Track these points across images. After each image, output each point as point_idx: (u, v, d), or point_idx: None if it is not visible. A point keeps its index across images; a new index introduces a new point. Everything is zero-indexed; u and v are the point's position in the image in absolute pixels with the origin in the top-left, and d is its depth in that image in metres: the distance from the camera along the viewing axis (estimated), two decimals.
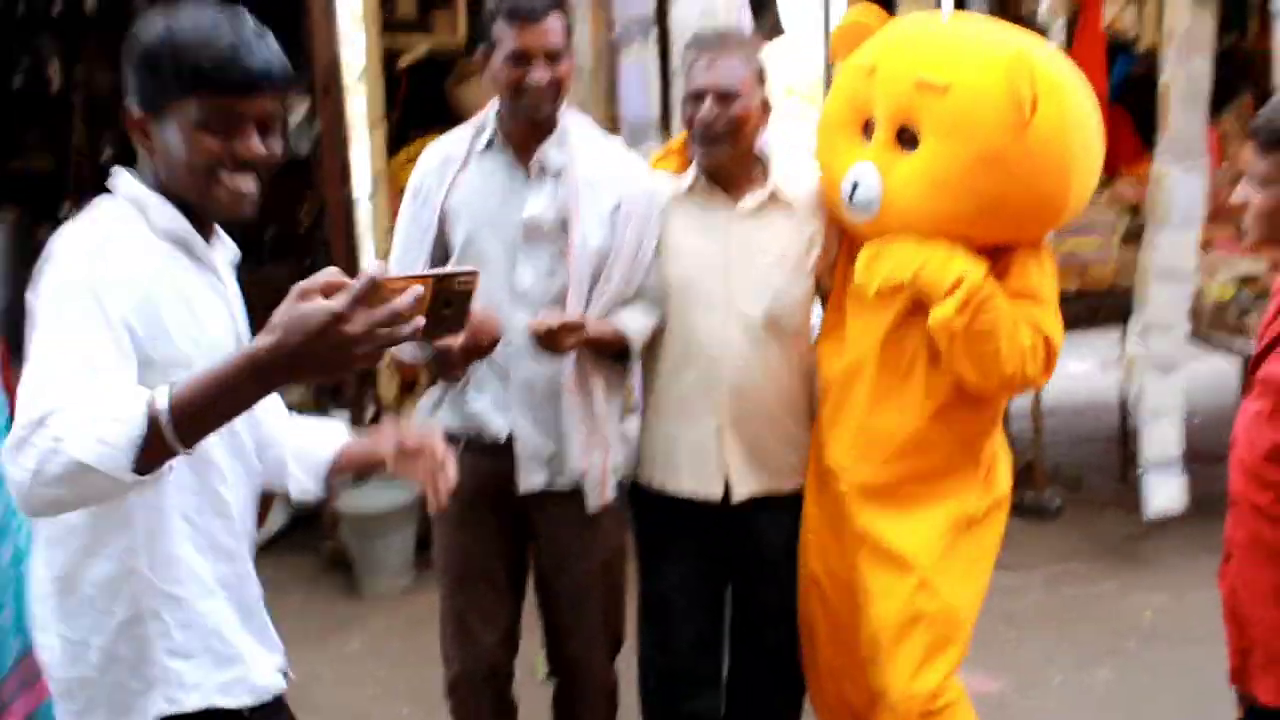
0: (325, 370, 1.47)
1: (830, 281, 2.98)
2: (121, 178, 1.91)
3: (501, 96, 2.77)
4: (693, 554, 3.01)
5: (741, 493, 2.93)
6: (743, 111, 2.78)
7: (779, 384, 2.92)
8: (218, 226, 1.98)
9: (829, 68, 5.88)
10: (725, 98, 2.76)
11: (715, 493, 2.93)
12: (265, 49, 1.84)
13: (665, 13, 4.65)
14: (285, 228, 6.66)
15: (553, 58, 2.68)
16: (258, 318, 5.07)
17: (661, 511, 3.01)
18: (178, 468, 1.67)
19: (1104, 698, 4.01)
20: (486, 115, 2.85)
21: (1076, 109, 2.70)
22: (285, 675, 2.08)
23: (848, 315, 2.90)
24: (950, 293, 2.58)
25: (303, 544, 5.53)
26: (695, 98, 2.80)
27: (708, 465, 2.92)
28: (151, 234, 1.85)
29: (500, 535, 2.92)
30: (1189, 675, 3.93)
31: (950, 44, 2.78)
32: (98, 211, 1.86)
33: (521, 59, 2.66)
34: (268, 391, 1.51)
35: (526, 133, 2.78)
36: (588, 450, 2.83)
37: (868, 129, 2.79)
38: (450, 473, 2.09)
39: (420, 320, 1.47)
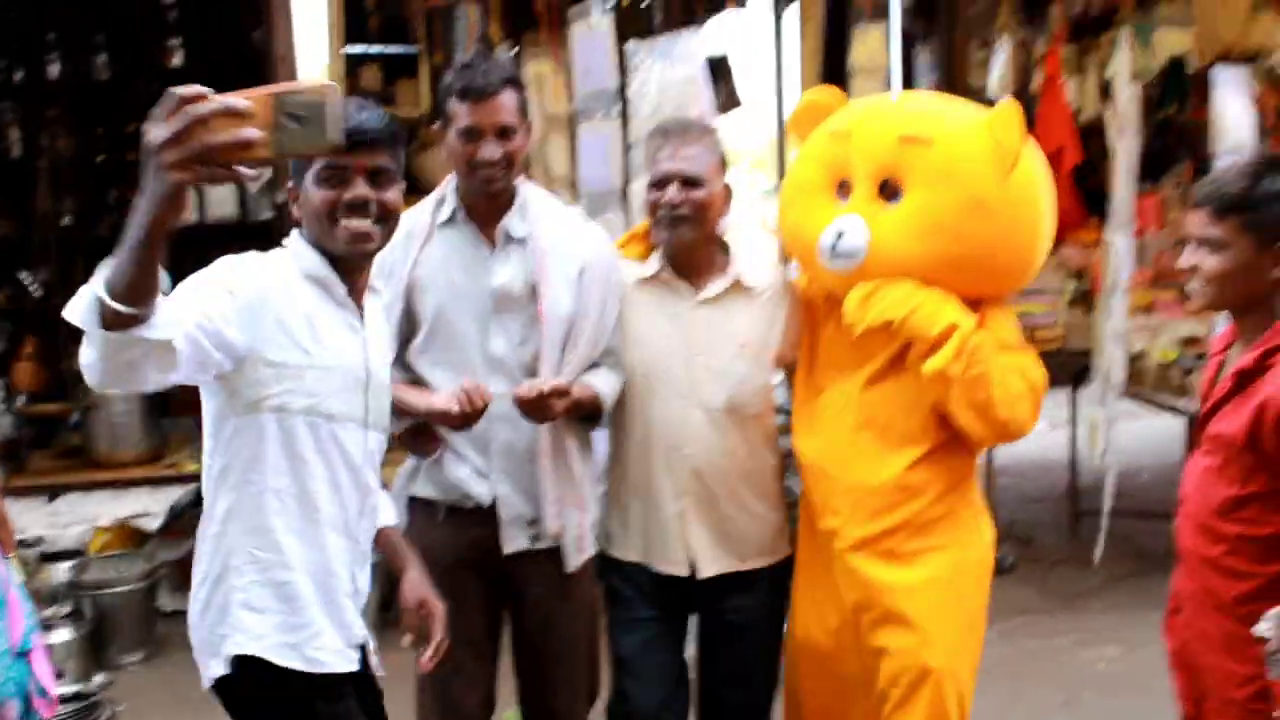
0: (151, 190, 1.61)
1: (793, 361, 3.03)
2: (292, 235, 2.37)
3: (457, 171, 2.83)
4: (658, 621, 3.05)
5: (708, 572, 2.97)
6: (706, 197, 2.85)
7: (742, 467, 2.96)
8: (373, 282, 2.43)
9: (782, 137, 6.06)
10: (689, 183, 2.83)
11: (681, 572, 2.97)
12: (361, 115, 2.24)
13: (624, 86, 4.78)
14: None
15: (504, 134, 2.73)
16: None
17: (627, 580, 3.05)
18: (275, 458, 2.22)
19: None
20: (446, 189, 2.90)
21: (1040, 170, 2.84)
22: (365, 668, 2.41)
23: (822, 382, 2.95)
24: (942, 340, 2.64)
25: None
26: (659, 184, 2.87)
27: (673, 546, 2.97)
28: (298, 272, 2.29)
29: (482, 599, 2.94)
30: None
31: (927, 109, 2.93)
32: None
33: (473, 134, 2.72)
34: (146, 221, 1.66)
35: (486, 205, 2.83)
36: (564, 511, 2.88)
37: (843, 189, 2.86)
38: (439, 631, 2.53)
39: (253, 132, 1.54)
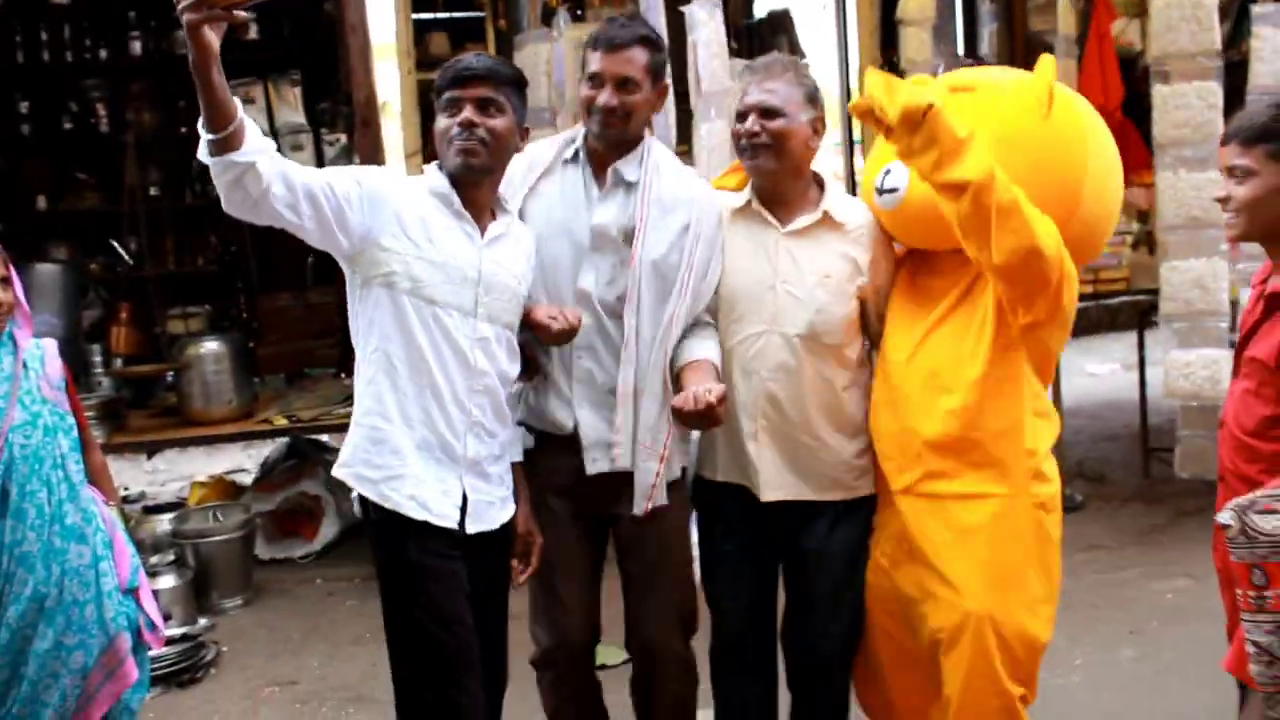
0: (188, 41, 2.28)
1: (883, 306, 3.10)
2: (430, 164, 2.83)
3: (581, 113, 3.01)
4: (741, 551, 3.16)
5: (769, 496, 3.04)
6: (785, 127, 2.94)
7: (817, 398, 3.01)
8: (502, 207, 2.88)
9: (846, 91, 6.12)
10: (767, 113, 2.92)
11: (758, 490, 3.04)
12: (475, 60, 2.77)
13: None
14: (326, 256, 6.91)
15: (625, 84, 2.88)
16: (292, 335, 5.36)
17: (715, 507, 3.18)
18: (387, 325, 2.70)
19: (1129, 673, 4.20)
20: (578, 130, 3.07)
21: (1095, 129, 2.94)
22: (462, 520, 2.78)
23: (889, 329, 3.05)
24: (967, 142, 2.63)
25: (353, 554, 5.79)
26: (742, 116, 2.98)
27: (741, 466, 3.07)
28: (425, 186, 2.77)
29: (574, 523, 3.09)
30: (1209, 650, 4.06)
31: (989, 70, 3.17)
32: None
33: (597, 81, 2.89)
34: (192, 65, 2.30)
35: (605, 149, 2.99)
36: (638, 452, 2.97)
37: None
38: (535, 558, 2.99)
39: None
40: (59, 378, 3.16)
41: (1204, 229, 5.06)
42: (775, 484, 3.05)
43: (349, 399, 5.67)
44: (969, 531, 2.88)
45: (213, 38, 2.27)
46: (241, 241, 6.91)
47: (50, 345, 3.20)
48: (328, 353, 6.63)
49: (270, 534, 5.86)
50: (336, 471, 2.82)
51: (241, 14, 2.25)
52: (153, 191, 6.82)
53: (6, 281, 3.05)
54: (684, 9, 4.52)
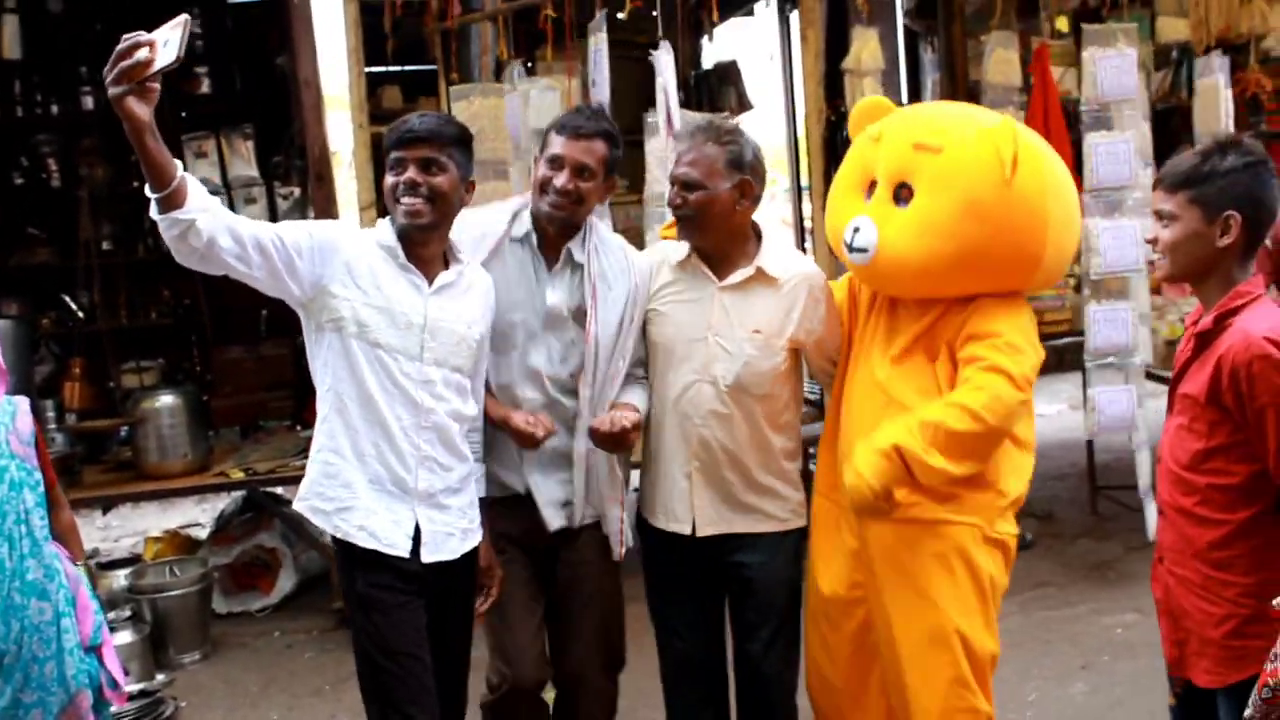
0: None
1: (829, 350, 3.29)
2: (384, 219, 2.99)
3: (534, 192, 3.14)
4: (680, 573, 3.31)
5: (705, 531, 3.22)
6: (705, 198, 3.08)
7: (748, 442, 3.19)
8: (455, 255, 3.02)
9: (794, 139, 6.24)
10: (687, 186, 3.09)
11: (684, 530, 3.23)
12: (419, 121, 2.89)
13: None
14: (280, 308, 6.93)
15: (581, 171, 3.07)
16: (246, 388, 5.38)
17: (654, 537, 3.33)
18: (338, 366, 2.84)
19: (1081, 707, 4.27)
20: (523, 201, 3.22)
21: (1054, 178, 3.03)
22: (417, 550, 2.91)
23: (857, 362, 3.19)
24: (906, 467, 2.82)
25: (311, 605, 5.80)
26: (553, 163, 3.09)
27: (680, 506, 3.23)
28: (374, 239, 2.92)
29: (527, 567, 3.26)
30: (1159, 683, 4.11)
31: (944, 117, 3.16)
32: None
33: (555, 163, 3.07)
34: (132, 130, 2.49)
35: (555, 230, 3.14)
36: (601, 503, 3.24)
37: (870, 189, 3.11)
38: (495, 589, 3.15)
39: (144, 54, 2.41)
40: (29, 433, 3.14)
41: (1125, 272, 5.24)
42: (711, 520, 3.22)
43: (305, 451, 5.69)
44: (934, 556, 3.00)
45: (140, 108, 2.44)
46: (195, 295, 6.91)
47: (22, 402, 3.17)
48: (282, 405, 6.65)
49: (227, 587, 5.83)
50: (296, 504, 2.98)
51: (153, 85, 2.45)
52: (105, 246, 6.83)
53: None
54: (652, 54, 4.61)
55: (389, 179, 2.88)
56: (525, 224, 3.16)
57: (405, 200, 2.85)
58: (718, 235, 3.15)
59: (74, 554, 3.27)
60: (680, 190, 3.10)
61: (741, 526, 3.24)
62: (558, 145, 3.07)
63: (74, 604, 3.16)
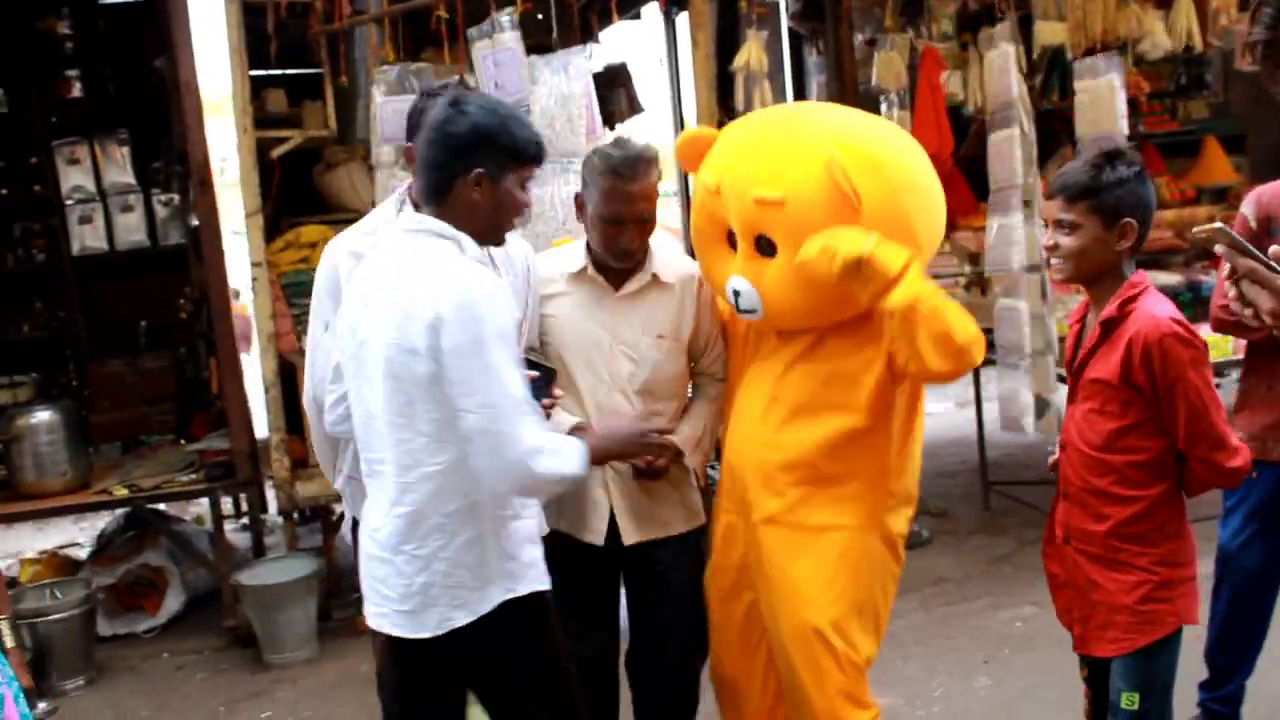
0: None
1: (712, 340, 3.29)
2: None
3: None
4: (587, 585, 3.29)
5: (630, 540, 3.23)
6: (652, 228, 3.14)
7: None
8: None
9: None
10: (644, 224, 3.10)
11: (600, 542, 3.22)
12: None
13: None
14: (160, 319, 6.75)
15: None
16: (127, 402, 5.14)
17: (561, 550, 3.21)
18: None
19: (985, 701, 4.32)
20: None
21: (900, 170, 2.95)
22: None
23: (742, 371, 3.18)
24: (903, 274, 2.77)
25: (201, 625, 5.61)
26: (615, 222, 3.06)
27: (595, 518, 3.22)
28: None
29: None
30: (1059, 673, 4.23)
31: (774, 154, 2.98)
32: None
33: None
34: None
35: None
36: None
37: (731, 239, 3.05)
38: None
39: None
40: None
41: (1030, 271, 5.34)
42: (631, 529, 3.23)
43: (192, 465, 5.57)
44: (823, 557, 3.01)
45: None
46: (70, 307, 6.69)
47: None
48: (165, 419, 6.46)
49: (112, 609, 5.61)
50: (532, 587, 2.67)
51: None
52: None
53: None
54: (580, 57, 4.55)
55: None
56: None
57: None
58: None
59: None
60: (637, 231, 3.09)
61: (659, 531, 3.26)
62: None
63: None
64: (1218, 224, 1.74)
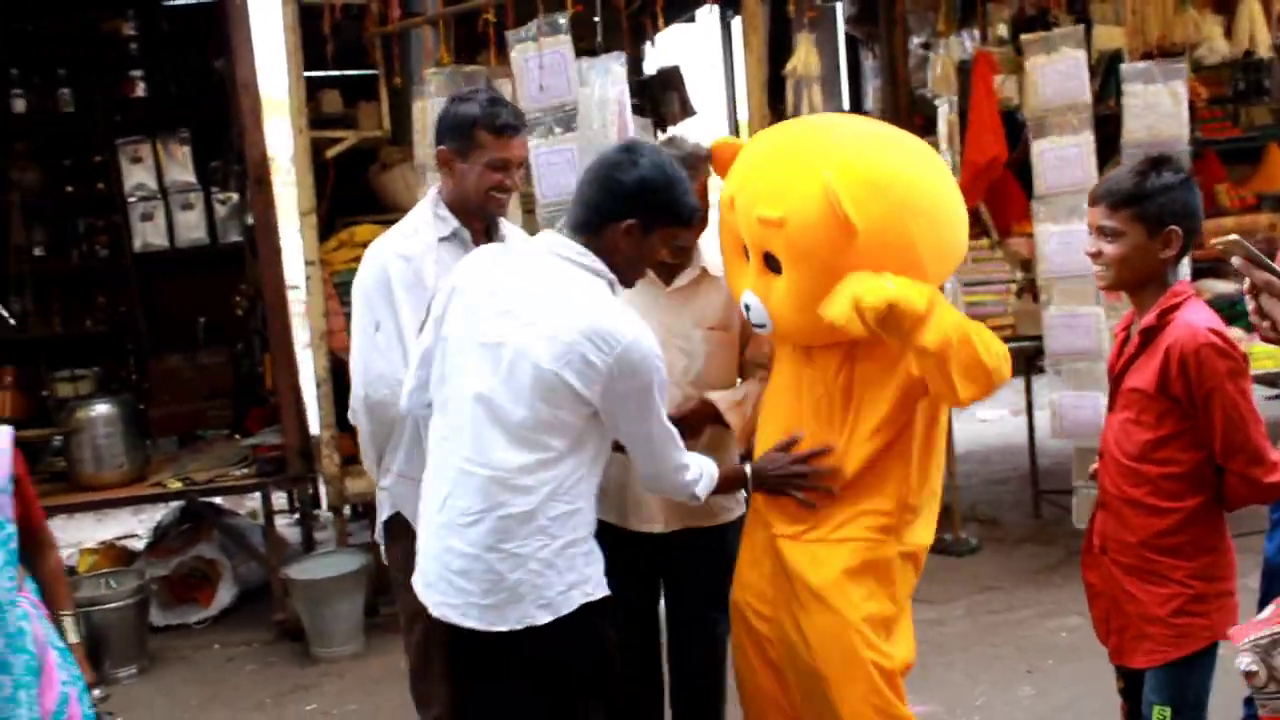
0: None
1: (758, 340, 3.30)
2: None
3: (481, 196, 3.20)
4: (627, 572, 3.22)
5: (673, 527, 3.29)
6: (704, 226, 3.17)
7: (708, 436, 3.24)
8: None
9: None
10: (700, 223, 3.13)
11: (654, 529, 3.28)
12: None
13: None
14: (218, 316, 6.86)
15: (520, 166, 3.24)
16: (184, 397, 5.22)
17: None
18: (592, 477, 2.73)
19: (1028, 711, 4.30)
20: (436, 204, 3.28)
21: (905, 191, 2.86)
22: None
23: (774, 371, 3.18)
24: (931, 310, 2.72)
25: (252, 617, 5.71)
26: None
27: (649, 507, 3.27)
28: None
29: None
30: (1103, 684, 4.17)
31: (781, 173, 2.94)
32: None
33: (504, 166, 3.17)
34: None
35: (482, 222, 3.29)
36: None
37: (746, 253, 3.03)
38: None
39: None
40: (5, 478, 2.75)
41: (1083, 278, 5.26)
42: (675, 518, 3.28)
43: (244, 460, 5.65)
44: (846, 565, 2.96)
45: None
46: (131, 303, 6.80)
47: (2, 438, 2.79)
48: (221, 414, 6.54)
49: (165, 600, 5.72)
50: (604, 592, 2.79)
51: None
52: (37, 252, 6.68)
53: None
54: (618, 63, 4.57)
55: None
56: (452, 222, 3.20)
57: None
58: None
59: (60, 601, 2.97)
60: (695, 234, 3.17)
61: (698, 521, 3.29)
62: (506, 148, 3.13)
63: (38, 673, 2.78)
64: (1233, 236, 1.71)
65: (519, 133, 3.16)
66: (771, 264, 2.93)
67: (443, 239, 3.18)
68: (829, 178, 2.77)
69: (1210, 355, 2.66)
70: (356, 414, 3.24)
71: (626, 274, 2.77)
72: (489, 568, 2.62)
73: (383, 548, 3.37)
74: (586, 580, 2.69)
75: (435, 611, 2.72)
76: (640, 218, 2.68)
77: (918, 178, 2.93)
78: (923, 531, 3.08)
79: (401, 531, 3.17)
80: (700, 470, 2.85)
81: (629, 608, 3.27)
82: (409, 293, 3.12)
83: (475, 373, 2.67)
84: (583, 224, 2.71)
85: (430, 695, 3.24)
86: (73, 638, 2.99)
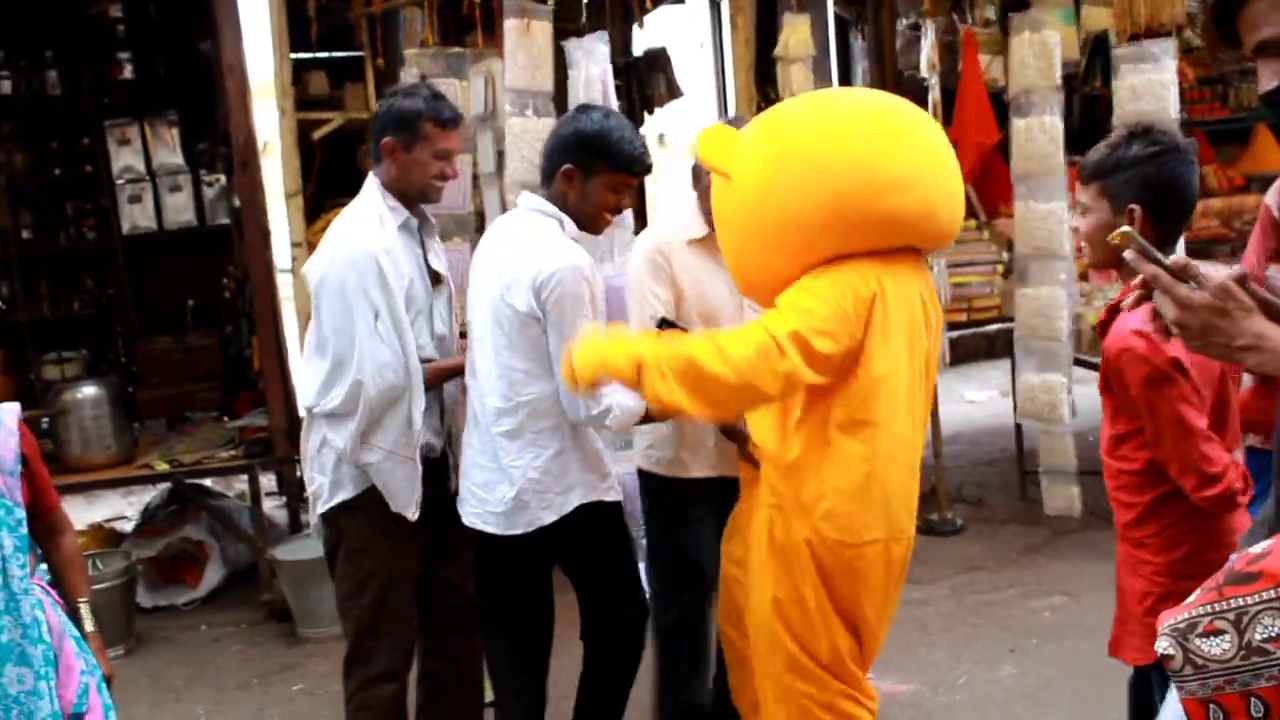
0: None
1: None
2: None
3: (431, 187, 3.37)
4: (716, 516, 3.53)
5: (727, 472, 3.50)
6: None
7: None
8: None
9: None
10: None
11: (734, 473, 3.44)
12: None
13: None
14: (206, 298, 6.85)
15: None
16: (173, 379, 5.24)
17: (699, 494, 3.57)
18: None
19: (1009, 690, 4.31)
20: (384, 196, 3.37)
21: (789, 140, 2.79)
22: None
23: None
24: (638, 373, 2.61)
25: (239, 598, 5.73)
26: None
27: (718, 454, 3.51)
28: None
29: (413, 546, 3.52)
30: (1085, 664, 4.25)
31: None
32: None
33: (449, 157, 3.35)
34: None
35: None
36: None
37: None
38: None
39: None
40: (13, 460, 2.66)
41: (1048, 258, 5.27)
42: (719, 464, 3.53)
43: (232, 442, 5.66)
44: (783, 545, 2.90)
45: None
46: (119, 285, 6.79)
47: (8, 416, 2.71)
48: (209, 396, 6.55)
49: (152, 581, 5.74)
50: (604, 496, 3.24)
51: None
52: (25, 235, 6.67)
53: None
54: (601, 43, 4.57)
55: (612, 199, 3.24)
56: (403, 212, 3.34)
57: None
58: None
59: (77, 589, 2.85)
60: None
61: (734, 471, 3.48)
62: (448, 139, 3.31)
63: (55, 664, 2.69)
64: (1125, 228, 1.65)
65: (459, 125, 3.36)
66: None
67: (400, 226, 3.31)
68: (701, 134, 2.98)
69: (1129, 361, 2.52)
70: (355, 400, 3.18)
71: (580, 217, 3.20)
72: (505, 478, 3.13)
73: (339, 521, 3.35)
74: (585, 485, 3.17)
75: (466, 521, 3.25)
76: (576, 163, 3.14)
77: (814, 126, 2.81)
78: (840, 528, 2.83)
79: (370, 503, 3.26)
80: (613, 402, 3.02)
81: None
82: (396, 281, 3.22)
83: (479, 322, 3.19)
84: (543, 176, 3.23)
85: (374, 651, 3.36)
86: (89, 626, 2.85)
